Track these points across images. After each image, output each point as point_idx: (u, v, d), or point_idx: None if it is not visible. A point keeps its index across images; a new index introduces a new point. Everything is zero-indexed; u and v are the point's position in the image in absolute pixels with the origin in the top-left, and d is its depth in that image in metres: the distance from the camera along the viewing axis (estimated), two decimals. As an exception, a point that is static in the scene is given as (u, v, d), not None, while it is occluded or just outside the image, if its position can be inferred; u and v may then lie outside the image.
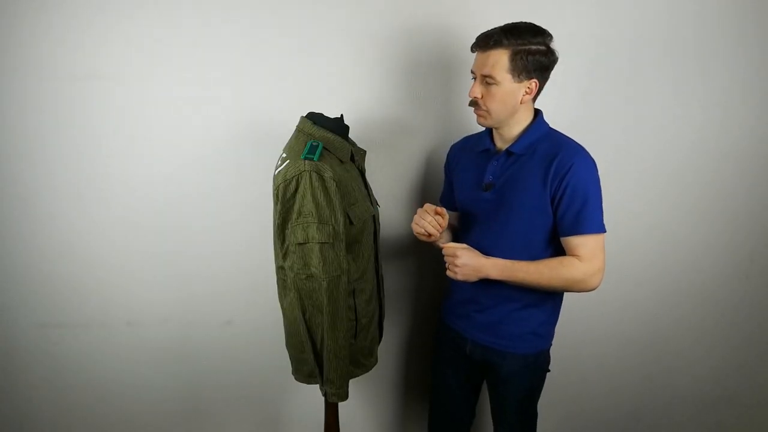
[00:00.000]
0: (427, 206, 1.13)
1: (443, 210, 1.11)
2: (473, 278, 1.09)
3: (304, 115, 1.14)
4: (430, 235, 1.12)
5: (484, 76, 1.04)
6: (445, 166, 1.33)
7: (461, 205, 1.23)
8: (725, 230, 1.59)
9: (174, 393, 1.53)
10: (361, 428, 1.65)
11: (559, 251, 1.11)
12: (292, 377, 1.18)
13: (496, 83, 1.03)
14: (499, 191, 1.12)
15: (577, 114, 1.42)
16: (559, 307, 1.20)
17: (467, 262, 1.07)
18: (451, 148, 1.31)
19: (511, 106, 1.06)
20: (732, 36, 1.43)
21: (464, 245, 1.10)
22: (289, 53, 1.31)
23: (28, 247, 1.37)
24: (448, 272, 1.11)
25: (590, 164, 1.06)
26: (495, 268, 1.08)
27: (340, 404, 1.18)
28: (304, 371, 1.14)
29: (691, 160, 1.51)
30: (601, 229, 1.06)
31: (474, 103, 1.09)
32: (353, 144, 1.21)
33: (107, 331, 1.46)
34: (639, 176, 1.51)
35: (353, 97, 1.36)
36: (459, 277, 1.08)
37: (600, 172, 1.07)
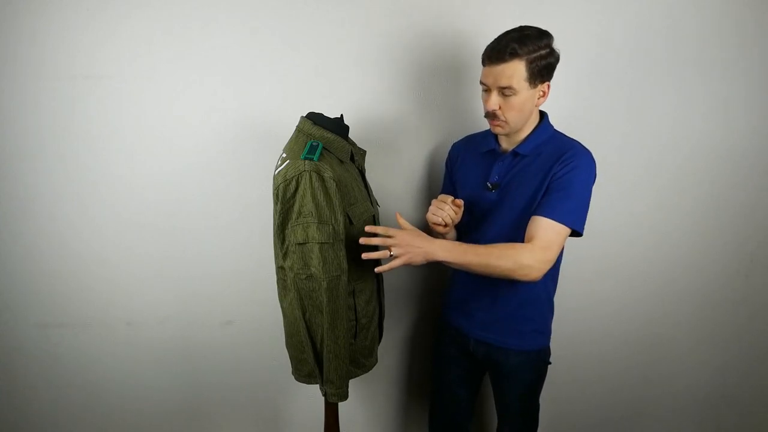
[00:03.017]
0: (443, 196, 1.13)
1: (461, 202, 1.11)
2: (419, 259, 1.00)
3: (304, 115, 1.14)
4: (445, 225, 1.11)
5: (503, 88, 1.03)
6: (446, 163, 1.33)
7: (464, 203, 1.23)
8: (725, 230, 1.58)
9: (174, 393, 1.53)
10: (361, 428, 1.65)
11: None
12: (292, 377, 1.18)
13: (515, 93, 1.03)
14: (503, 191, 1.13)
15: (578, 115, 1.42)
16: (553, 304, 1.22)
17: (406, 242, 0.99)
18: (453, 146, 1.31)
19: (528, 111, 1.07)
20: (733, 37, 1.43)
21: (402, 230, 1.01)
22: (289, 53, 1.31)
23: (29, 247, 1.37)
24: (391, 256, 1.00)
25: (589, 167, 1.07)
26: (442, 248, 1.01)
27: (340, 404, 1.18)
28: (304, 371, 1.14)
29: (692, 161, 1.51)
30: (567, 221, 1.02)
31: (491, 115, 1.07)
32: (353, 144, 1.21)
33: (107, 331, 1.46)
34: (639, 177, 1.51)
35: (353, 97, 1.36)
36: (404, 258, 0.98)
37: (600, 173, 1.08)
